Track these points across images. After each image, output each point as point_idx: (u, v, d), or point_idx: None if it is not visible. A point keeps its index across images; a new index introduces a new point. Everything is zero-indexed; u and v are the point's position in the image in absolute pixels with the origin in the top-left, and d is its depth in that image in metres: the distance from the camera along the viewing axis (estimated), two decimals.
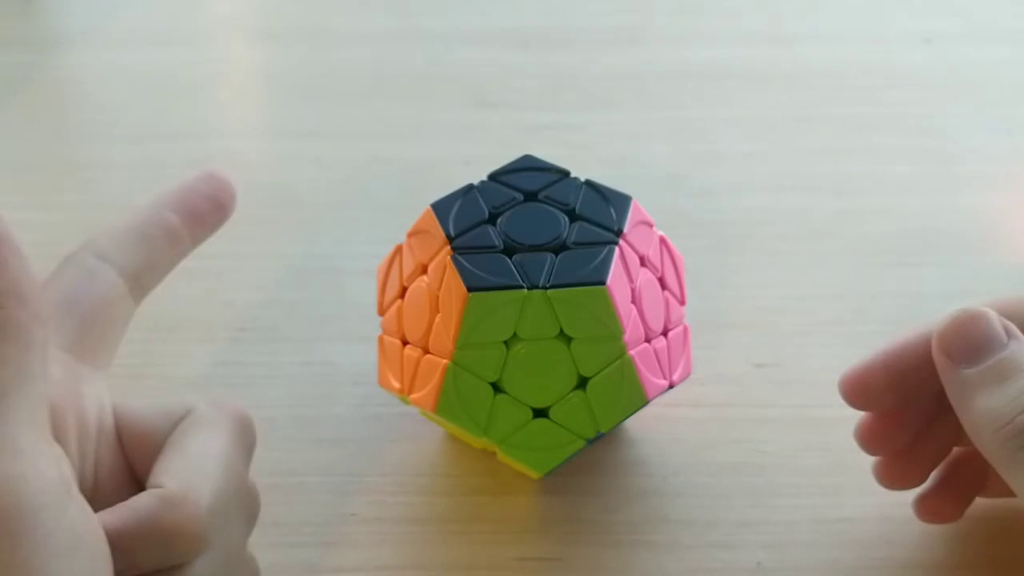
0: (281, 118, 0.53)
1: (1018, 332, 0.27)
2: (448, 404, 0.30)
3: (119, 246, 0.29)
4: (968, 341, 0.27)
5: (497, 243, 0.30)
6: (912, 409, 0.30)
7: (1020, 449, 0.25)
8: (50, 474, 0.20)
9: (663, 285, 0.32)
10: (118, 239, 0.29)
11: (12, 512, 0.19)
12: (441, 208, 0.32)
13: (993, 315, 0.27)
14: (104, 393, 0.27)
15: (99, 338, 0.28)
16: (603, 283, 0.29)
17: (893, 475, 0.31)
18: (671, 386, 0.32)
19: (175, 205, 0.31)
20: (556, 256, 0.30)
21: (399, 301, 0.32)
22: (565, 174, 0.33)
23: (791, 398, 0.36)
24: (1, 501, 0.19)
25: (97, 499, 0.24)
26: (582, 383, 0.30)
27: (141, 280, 0.30)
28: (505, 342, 0.29)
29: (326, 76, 0.55)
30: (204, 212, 0.32)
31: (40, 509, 0.20)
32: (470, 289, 0.29)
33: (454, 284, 0.30)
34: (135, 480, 0.26)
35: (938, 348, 0.28)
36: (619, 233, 0.31)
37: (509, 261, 0.30)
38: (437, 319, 0.30)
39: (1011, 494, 0.27)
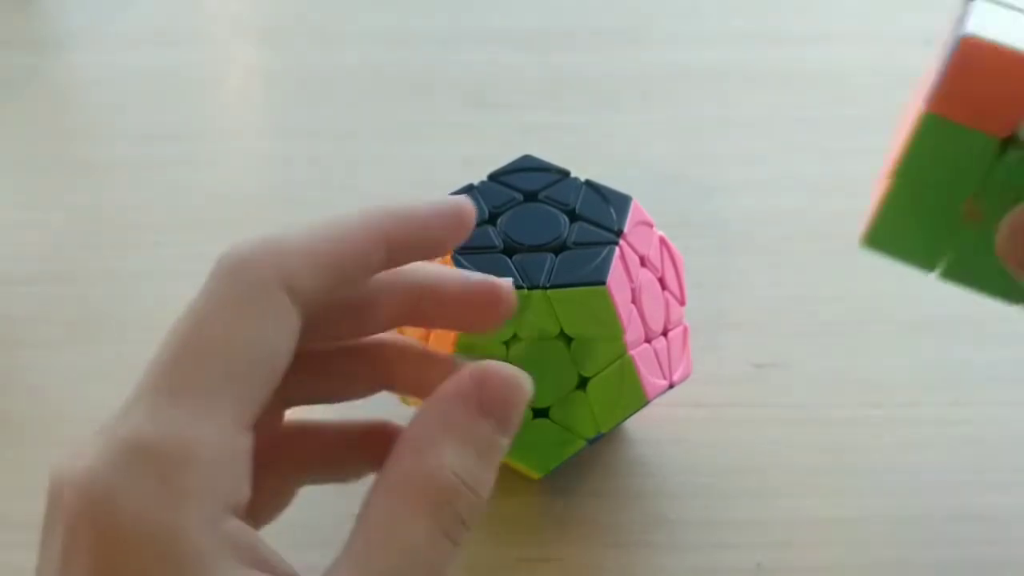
0: (281, 118, 0.53)
1: None
2: None
3: (313, 287, 0.21)
4: None
5: (497, 243, 0.30)
6: None
7: None
8: None
9: (663, 285, 0.32)
10: (315, 273, 0.21)
11: None
12: None
13: None
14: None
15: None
16: (603, 283, 0.29)
17: None
18: (671, 386, 0.32)
19: (399, 246, 0.23)
20: (556, 256, 0.30)
21: None
22: (565, 174, 0.33)
23: (791, 398, 0.36)
24: None
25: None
26: (582, 383, 0.30)
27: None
28: (505, 342, 0.29)
29: (326, 76, 0.55)
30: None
31: None
32: None
33: None
34: None
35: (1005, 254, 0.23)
36: (619, 233, 0.31)
37: (509, 261, 0.30)
38: None
39: None
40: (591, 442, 0.31)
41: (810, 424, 0.35)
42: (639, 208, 0.32)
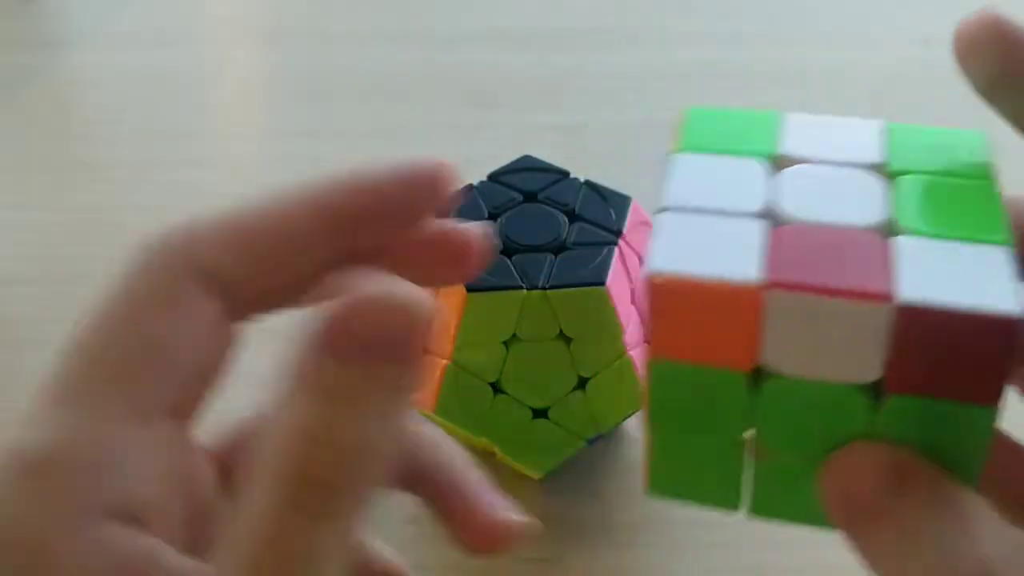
0: (281, 118, 0.53)
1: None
2: (447, 404, 0.30)
3: (236, 269, 0.19)
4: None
5: (497, 243, 0.30)
6: None
7: None
8: None
9: None
10: (235, 254, 0.19)
11: None
12: None
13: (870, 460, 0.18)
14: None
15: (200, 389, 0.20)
16: (602, 284, 0.29)
17: None
18: None
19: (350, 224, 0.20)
20: (555, 257, 0.30)
21: None
22: (565, 174, 0.33)
23: None
24: None
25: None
26: (582, 383, 0.30)
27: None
28: (504, 342, 0.29)
29: (326, 76, 0.55)
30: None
31: None
32: (469, 290, 0.29)
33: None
34: None
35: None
36: (618, 233, 0.31)
37: (509, 262, 0.30)
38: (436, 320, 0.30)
39: None
40: (590, 442, 0.31)
41: None
42: (638, 208, 0.32)
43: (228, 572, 0.17)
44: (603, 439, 0.34)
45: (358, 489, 0.18)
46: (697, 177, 0.19)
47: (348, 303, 0.18)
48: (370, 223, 0.20)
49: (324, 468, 0.18)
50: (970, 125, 0.49)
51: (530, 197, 0.32)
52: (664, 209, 0.18)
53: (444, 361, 0.30)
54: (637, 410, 0.31)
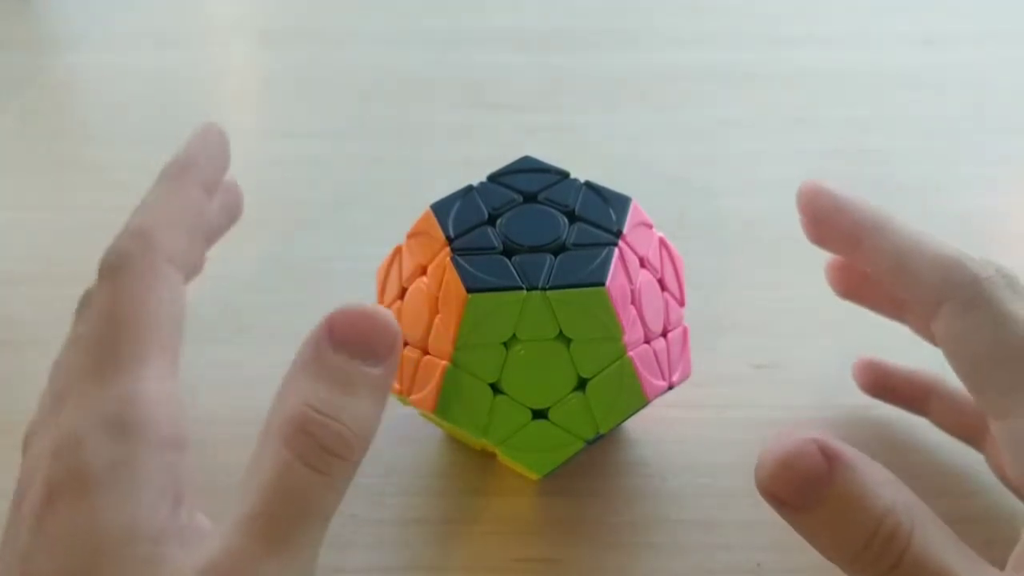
0: (281, 119, 0.53)
1: (840, 448, 0.24)
2: (447, 405, 0.30)
3: (183, 249, 0.28)
4: (791, 486, 0.23)
5: (496, 244, 0.30)
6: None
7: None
8: None
9: (662, 286, 0.32)
10: (178, 239, 0.28)
11: None
12: (440, 209, 0.32)
13: (805, 444, 0.23)
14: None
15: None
16: (602, 284, 0.29)
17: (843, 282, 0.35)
18: (670, 387, 0.32)
19: (208, 184, 0.31)
20: (555, 257, 0.30)
21: (398, 302, 0.32)
22: (565, 175, 0.33)
23: (790, 399, 0.37)
24: None
25: None
26: (581, 384, 0.30)
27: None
28: (504, 343, 0.29)
29: (326, 77, 0.55)
30: (223, 185, 0.34)
31: None
32: (469, 290, 0.29)
33: (453, 285, 0.30)
34: None
35: (765, 494, 0.24)
36: (618, 234, 0.31)
37: (508, 262, 0.30)
38: (436, 320, 0.30)
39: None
40: (590, 443, 0.31)
41: (809, 425, 0.35)
42: (638, 209, 0.32)
43: (241, 511, 0.23)
44: (602, 440, 0.34)
45: (353, 455, 0.24)
46: None
47: (343, 308, 0.25)
48: (218, 178, 0.32)
49: (332, 438, 0.23)
50: (970, 124, 0.50)
51: (530, 198, 0.32)
52: None
53: (444, 361, 0.30)
54: (637, 411, 0.31)
